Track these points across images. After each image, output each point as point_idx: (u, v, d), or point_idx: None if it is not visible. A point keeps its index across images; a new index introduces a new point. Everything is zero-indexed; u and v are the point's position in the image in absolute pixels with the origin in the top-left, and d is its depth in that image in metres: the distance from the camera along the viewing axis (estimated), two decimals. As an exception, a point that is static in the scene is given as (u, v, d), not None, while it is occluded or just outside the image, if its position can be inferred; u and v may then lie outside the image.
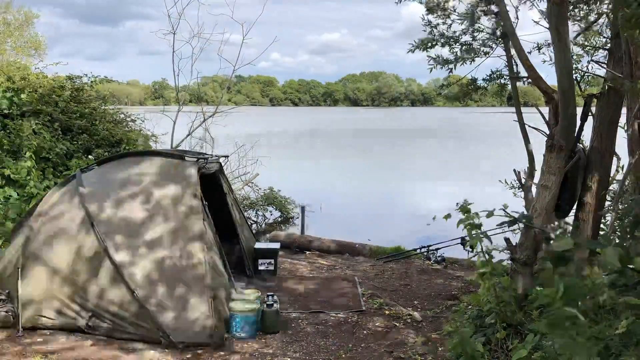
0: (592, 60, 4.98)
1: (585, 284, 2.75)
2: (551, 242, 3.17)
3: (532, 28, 5.50)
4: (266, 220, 11.35)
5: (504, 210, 3.89)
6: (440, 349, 4.45)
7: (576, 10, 5.47)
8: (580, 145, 4.73)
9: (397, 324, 5.09)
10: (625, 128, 4.49)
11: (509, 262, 4.33)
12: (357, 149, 31.10)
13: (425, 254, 7.63)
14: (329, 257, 7.94)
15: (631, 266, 2.83)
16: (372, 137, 36.19)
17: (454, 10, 5.86)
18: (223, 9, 13.78)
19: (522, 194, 5.46)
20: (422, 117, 73.09)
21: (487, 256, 3.94)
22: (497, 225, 3.97)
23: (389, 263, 7.49)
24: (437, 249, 7.56)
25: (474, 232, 3.87)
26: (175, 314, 4.49)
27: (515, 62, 5.56)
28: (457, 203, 4.14)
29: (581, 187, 4.62)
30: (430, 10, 5.95)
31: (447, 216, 4.12)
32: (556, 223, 4.44)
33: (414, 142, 36.34)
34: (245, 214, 8.74)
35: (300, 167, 21.73)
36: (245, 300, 4.91)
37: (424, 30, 6.07)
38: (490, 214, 3.78)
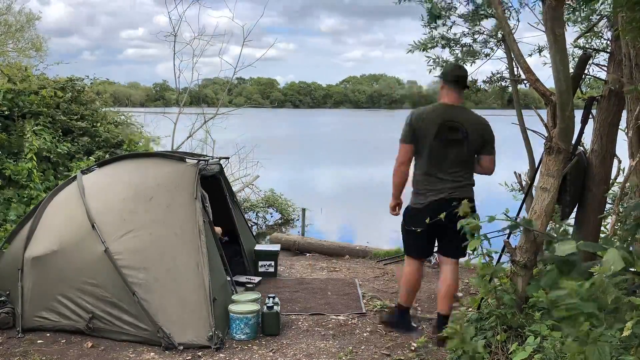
0: (592, 63, 4.98)
1: (593, 283, 2.75)
2: (556, 245, 3.16)
3: (533, 30, 5.50)
4: (266, 222, 11.34)
5: (505, 215, 3.89)
6: (439, 351, 4.44)
7: (577, 12, 5.48)
8: (581, 147, 4.73)
9: (398, 326, 5.08)
10: (626, 131, 4.49)
11: (509, 264, 4.32)
12: (357, 151, 31.05)
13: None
14: (330, 259, 7.94)
15: (633, 269, 2.82)
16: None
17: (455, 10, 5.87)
18: (224, 11, 13.83)
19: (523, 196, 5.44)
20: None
21: (487, 258, 3.93)
22: (500, 230, 3.97)
23: (389, 265, 7.48)
24: None
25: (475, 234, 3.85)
26: (175, 316, 4.50)
27: (515, 64, 5.56)
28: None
29: (582, 190, 4.61)
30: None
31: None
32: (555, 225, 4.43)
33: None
34: (245, 215, 8.74)
35: (301, 170, 21.72)
36: (245, 302, 4.91)
37: (424, 34, 6.08)
38: (492, 219, 3.77)
